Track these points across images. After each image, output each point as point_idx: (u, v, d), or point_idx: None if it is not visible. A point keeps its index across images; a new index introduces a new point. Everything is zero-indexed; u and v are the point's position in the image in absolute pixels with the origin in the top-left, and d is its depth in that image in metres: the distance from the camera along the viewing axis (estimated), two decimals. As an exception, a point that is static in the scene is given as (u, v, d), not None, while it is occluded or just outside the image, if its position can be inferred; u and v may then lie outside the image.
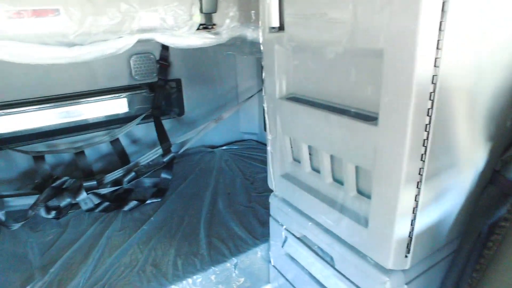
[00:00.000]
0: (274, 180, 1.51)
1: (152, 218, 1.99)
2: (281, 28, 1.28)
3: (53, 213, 2.01)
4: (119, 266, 1.64)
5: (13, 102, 2.28)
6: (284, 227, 1.52)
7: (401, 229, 0.98)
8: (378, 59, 0.88)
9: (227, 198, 2.17)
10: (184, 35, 1.58)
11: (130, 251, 1.74)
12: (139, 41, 1.50)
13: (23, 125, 2.36)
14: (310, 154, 1.32)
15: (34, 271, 1.64)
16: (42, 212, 1.98)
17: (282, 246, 1.55)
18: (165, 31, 1.56)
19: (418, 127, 0.86)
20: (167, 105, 2.75)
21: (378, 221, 1.02)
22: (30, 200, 1.96)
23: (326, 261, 1.31)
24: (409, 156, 0.88)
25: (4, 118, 2.31)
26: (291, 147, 1.40)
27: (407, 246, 1.01)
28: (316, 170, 1.31)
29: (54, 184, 2.05)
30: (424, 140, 0.88)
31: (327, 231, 1.27)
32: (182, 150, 2.37)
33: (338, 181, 1.22)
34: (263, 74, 1.42)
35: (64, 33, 1.37)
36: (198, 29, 1.55)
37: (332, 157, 1.20)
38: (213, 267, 1.61)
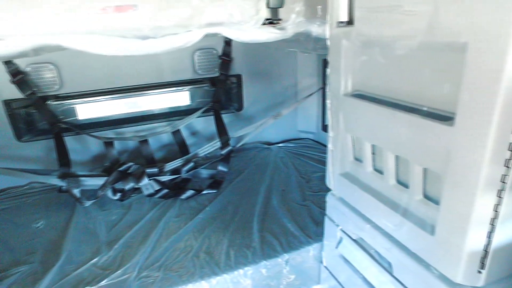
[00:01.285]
0: (332, 178, 1.48)
1: (207, 208, 2.06)
2: (349, 22, 1.24)
3: (118, 194, 2.17)
4: (175, 250, 1.72)
5: (90, 92, 2.51)
6: (339, 227, 1.48)
7: (475, 241, 0.89)
8: (459, 54, 0.82)
9: (282, 194, 2.17)
10: (249, 30, 1.60)
11: (185, 237, 1.82)
12: (205, 36, 1.54)
13: (97, 113, 2.59)
14: (373, 153, 1.26)
15: (101, 245, 1.79)
16: (109, 193, 2.15)
17: (336, 247, 1.51)
18: (232, 25, 1.59)
19: (504, 128, 0.78)
20: (227, 100, 2.82)
21: (447, 230, 0.94)
22: (100, 181, 2.14)
23: (383, 267, 1.25)
24: (490, 160, 0.80)
25: (83, 106, 2.55)
26: (353, 145, 1.35)
27: (482, 260, 0.92)
28: (378, 170, 1.26)
29: (120, 169, 2.21)
30: (510, 143, 0.79)
31: (386, 235, 1.21)
32: (239, 144, 2.42)
33: (402, 183, 1.15)
34: (328, 70, 1.39)
35: (139, 27, 1.46)
36: (263, 23, 1.56)
37: (397, 157, 1.14)
38: (264, 261, 1.62)
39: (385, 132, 1.12)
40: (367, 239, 1.32)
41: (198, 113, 2.54)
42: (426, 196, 1.06)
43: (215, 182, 2.30)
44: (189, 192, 2.18)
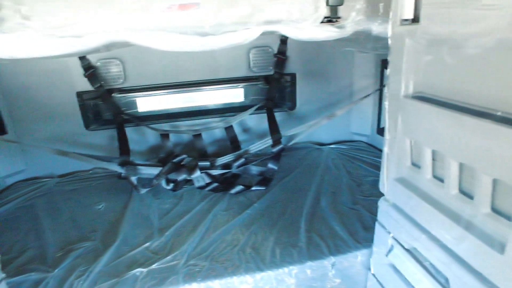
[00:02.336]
0: (386, 183, 1.41)
1: (255, 204, 2.08)
2: (415, 20, 1.17)
3: (171, 185, 2.27)
4: (222, 243, 1.76)
5: (150, 86, 2.66)
6: (391, 235, 1.41)
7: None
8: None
9: (331, 196, 2.13)
10: (307, 28, 1.58)
11: (232, 231, 1.85)
12: (262, 34, 1.56)
13: (155, 106, 2.74)
14: (433, 159, 1.18)
15: (153, 231, 1.89)
16: (163, 183, 2.26)
17: (386, 255, 1.45)
18: (290, 23, 1.58)
19: None
20: (280, 98, 2.82)
21: (519, 249, 0.85)
22: (155, 171, 2.26)
23: (439, 282, 1.17)
24: None
25: (143, 99, 2.71)
26: (411, 150, 1.28)
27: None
28: (438, 178, 1.17)
29: (174, 160, 2.32)
30: None
31: (444, 247, 1.12)
32: (290, 143, 2.41)
33: (466, 194, 1.06)
34: (388, 71, 1.33)
35: (201, 24, 1.51)
36: (322, 22, 1.54)
37: (461, 165, 1.05)
38: (310, 262, 1.60)
39: (450, 137, 1.05)
40: (421, 250, 1.24)
41: (251, 110, 2.58)
42: (495, 210, 0.97)
43: (264, 180, 2.31)
44: (238, 187, 2.22)
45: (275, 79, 2.65)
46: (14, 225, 2.02)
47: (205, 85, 2.72)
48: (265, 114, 2.60)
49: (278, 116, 2.66)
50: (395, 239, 1.39)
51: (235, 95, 2.75)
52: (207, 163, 2.26)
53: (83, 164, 2.61)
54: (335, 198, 2.10)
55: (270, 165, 2.36)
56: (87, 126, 2.64)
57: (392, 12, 1.24)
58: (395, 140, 1.32)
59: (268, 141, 2.36)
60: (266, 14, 1.50)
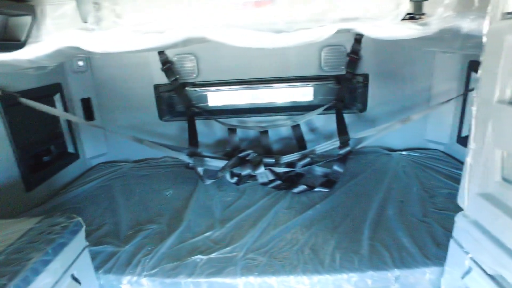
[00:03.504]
0: (467, 197, 1.27)
1: (318, 205, 2.04)
2: (520, 13, 1.03)
3: (235, 178, 2.32)
4: (281, 240, 1.75)
5: (221, 81, 2.74)
6: (469, 255, 1.27)
7: None
8: None
9: (399, 206, 1.99)
10: (386, 25, 1.49)
11: (292, 230, 1.83)
12: (336, 32, 1.50)
13: (225, 101, 2.82)
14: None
15: (215, 221, 1.95)
16: (227, 176, 2.32)
17: (462, 277, 1.30)
18: (367, 20, 1.51)
19: None
20: (350, 99, 2.73)
21: None
22: (221, 164, 2.33)
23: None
24: None
25: (213, 94, 2.81)
26: (502, 163, 1.13)
27: None
28: (535, 197, 1.02)
29: (240, 155, 2.37)
30: None
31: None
32: (358, 146, 2.31)
33: None
34: (478, 73, 1.20)
35: (275, 21, 1.51)
36: (403, 19, 1.43)
37: None
38: (371, 271, 1.51)
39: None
40: (510, 279, 1.09)
41: (320, 110, 2.53)
42: None
43: (328, 181, 2.25)
44: (301, 187, 2.19)
45: (347, 79, 2.56)
46: (95, 202, 2.25)
47: (275, 83, 2.73)
48: (334, 115, 2.53)
49: (347, 117, 2.57)
50: (475, 261, 1.25)
51: (304, 94, 2.72)
52: (272, 160, 2.28)
53: (155, 152, 2.80)
54: (403, 208, 1.96)
55: (336, 167, 2.29)
56: (161, 117, 2.83)
57: (491, 5, 1.11)
58: (482, 151, 1.18)
59: (335, 142, 2.29)
60: (342, 11, 1.45)
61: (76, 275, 1.40)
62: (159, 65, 2.63)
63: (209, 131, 2.83)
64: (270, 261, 1.61)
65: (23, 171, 2.14)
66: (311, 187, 2.20)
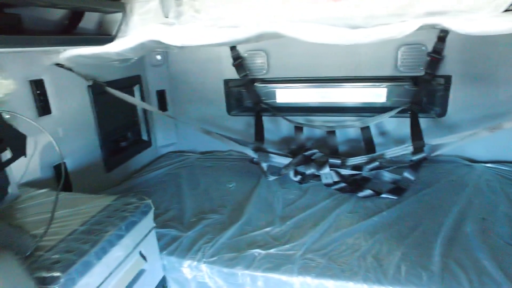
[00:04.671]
0: None
1: (384, 212, 1.91)
2: None
3: (298, 177, 2.29)
4: (342, 244, 1.68)
5: (290, 79, 2.72)
6: None
7: None
8: None
9: (480, 223, 1.77)
10: (482, 19, 1.33)
11: (355, 235, 1.75)
12: (419, 28, 1.38)
13: (293, 98, 2.80)
14: None
15: (275, 217, 1.94)
16: (291, 174, 2.30)
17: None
18: (458, 14, 1.36)
19: None
20: (428, 103, 2.52)
21: None
22: (285, 161, 2.32)
23: None
24: None
25: (282, 91, 2.81)
26: None
27: None
28: None
29: (305, 153, 2.33)
30: None
31: None
32: (434, 154, 2.12)
33: None
34: None
35: (352, 16, 1.44)
36: (506, 10, 1.26)
37: None
38: (443, 291, 1.37)
39: None
40: None
41: (393, 112, 2.37)
42: None
43: (397, 189, 2.10)
44: (367, 192, 2.08)
45: (425, 80, 2.36)
46: (163, 187, 2.39)
47: (345, 82, 2.63)
48: (407, 118, 2.35)
49: (423, 122, 2.37)
50: None
51: (377, 94, 2.58)
52: (338, 161, 2.20)
53: (221, 145, 2.88)
54: (486, 227, 1.74)
55: (406, 174, 2.13)
56: (229, 111, 2.90)
57: None
58: None
59: (408, 147, 2.12)
60: (428, 4, 1.33)
61: (143, 253, 1.50)
62: (230, 60, 2.70)
63: (275, 128, 2.83)
64: (329, 264, 1.55)
65: (104, 154, 2.36)
66: (377, 193, 2.08)
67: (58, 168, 1.91)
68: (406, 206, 1.97)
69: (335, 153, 2.49)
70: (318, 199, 2.10)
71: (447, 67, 2.36)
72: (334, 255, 1.61)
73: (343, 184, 2.18)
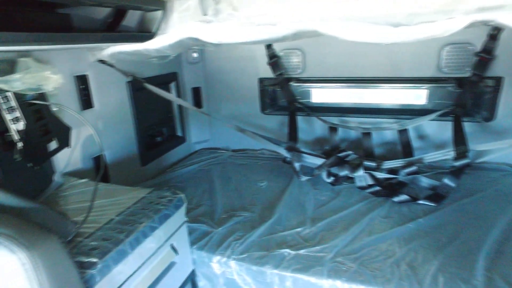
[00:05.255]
0: None
1: (420, 219, 1.83)
2: None
3: (331, 178, 2.24)
4: (375, 250, 1.63)
5: (326, 78, 2.67)
6: None
7: None
8: None
9: (531, 237, 1.65)
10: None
11: (388, 241, 1.68)
12: (469, 25, 1.30)
13: (328, 98, 2.75)
14: None
15: (306, 218, 1.91)
16: (324, 175, 2.25)
17: None
18: (517, 8, 1.26)
19: None
20: (473, 106, 2.37)
21: None
22: (318, 161, 2.27)
23: None
24: None
25: (317, 90, 2.77)
26: None
27: None
28: None
29: (339, 155, 2.27)
30: None
31: None
32: (479, 160, 2.00)
33: None
34: None
35: (394, 13, 1.39)
36: None
37: None
38: (486, 308, 1.29)
39: None
40: None
41: (434, 115, 2.26)
42: None
43: (436, 195, 2.00)
44: (403, 197, 1.99)
45: (472, 82, 2.23)
46: (195, 183, 2.43)
47: (383, 83, 2.55)
48: (450, 122, 2.23)
49: (467, 126, 2.23)
50: None
51: (416, 96, 2.47)
52: (373, 164, 2.12)
53: (253, 143, 2.89)
54: (538, 242, 1.61)
55: (446, 181, 2.01)
56: (263, 109, 2.90)
57: None
58: None
59: (450, 153, 2.01)
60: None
61: (174, 246, 1.53)
62: (265, 59, 2.70)
63: (309, 128, 2.79)
64: (360, 269, 1.50)
65: (140, 148, 2.44)
66: (414, 199, 1.99)
67: (98, 160, 1.99)
68: (445, 214, 1.87)
69: (370, 155, 2.42)
70: (351, 202, 2.05)
71: (498, 68, 2.21)
72: (366, 260, 1.56)
73: (377, 188, 2.11)
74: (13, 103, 1.31)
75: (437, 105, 2.41)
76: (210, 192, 2.29)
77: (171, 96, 2.61)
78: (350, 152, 2.28)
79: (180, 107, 2.88)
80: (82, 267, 1.07)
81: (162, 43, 1.77)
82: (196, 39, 1.74)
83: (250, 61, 2.81)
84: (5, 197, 1.16)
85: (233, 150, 3.03)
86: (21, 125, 1.33)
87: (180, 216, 1.56)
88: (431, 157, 2.06)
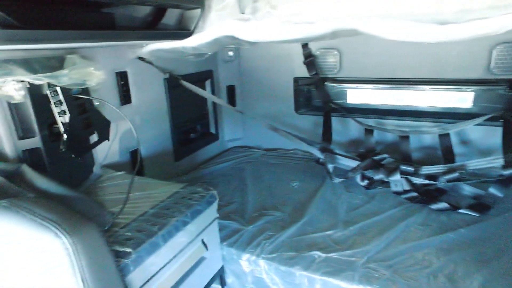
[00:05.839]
0: None
1: (462, 229, 1.73)
2: None
3: (365, 181, 2.17)
4: (409, 258, 1.56)
5: (363, 79, 2.60)
6: None
7: None
8: None
9: None
10: None
11: (425, 250, 1.60)
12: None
13: (365, 100, 2.67)
14: None
15: (338, 221, 1.87)
16: (358, 178, 2.19)
17: None
18: None
19: None
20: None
21: None
22: (352, 164, 2.21)
23: None
24: None
25: (353, 91, 2.69)
26: None
27: None
28: None
29: (374, 157, 2.20)
30: None
31: None
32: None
33: None
34: None
35: (441, 10, 1.32)
36: None
37: None
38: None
39: None
40: None
41: (480, 119, 2.12)
42: None
43: (480, 205, 1.88)
44: (442, 205, 1.89)
45: (526, 84, 2.07)
46: (227, 180, 2.45)
47: (424, 84, 2.43)
48: (498, 127, 2.09)
49: (516, 132, 2.08)
50: None
51: (461, 99, 2.34)
52: (410, 169, 2.03)
53: (286, 143, 2.88)
54: None
55: (493, 190, 1.88)
56: (297, 109, 2.87)
57: None
58: None
59: (497, 160, 1.87)
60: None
61: (205, 241, 1.54)
62: (301, 58, 2.66)
63: (343, 129, 2.73)
64: (394, 277, 1.44)
65: (174, 144, 2.50)
66: (455, 207, 1.88)
67: (134, 154, 2.06)
68: (490, 226, 1.75)
69: (407, 160, 2.32)
70: (385, 207, 1.98)
71: None
72: (400, 268, 1.49)
73: (414, 194, 2.02)
74: (61, 97, 1.38)
75: (484, 109, 2.26)
76: (241, 190, 2.30)
77: (206, 93, 2.64)
78: (386, 155, 2.20)
79: (214, 104, 2.91)
80: (117, 256, 1.10)
81: (199, 41, 1.79)
82: (233, 37, 1.75)
83: (285, 60, 2.79)
84: (50, 185, 1.22)
85: (265, 149, 3.03)
86: (66, 118, 1.40)
87: (211, 212, 1.57)
88: (476, 164, 1.93)
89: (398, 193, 2.07)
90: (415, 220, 1.84)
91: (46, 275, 0.92)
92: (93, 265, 0.90)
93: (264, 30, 1.66)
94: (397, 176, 2.02)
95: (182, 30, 1.66)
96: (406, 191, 2.05)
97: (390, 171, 2.05)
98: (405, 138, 2.37)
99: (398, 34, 1.39)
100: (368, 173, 2.15)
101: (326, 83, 2.69)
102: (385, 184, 2.14)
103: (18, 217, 0.92)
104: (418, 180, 2.03)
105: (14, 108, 1.29)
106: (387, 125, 2.55)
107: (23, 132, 1.31)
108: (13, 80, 1.24)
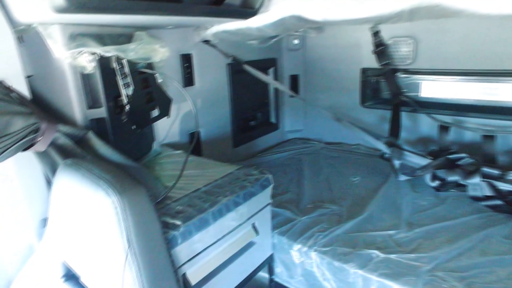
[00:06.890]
0: None
1: (560, 248, 1.45)
2: None
3: (436, 182, 1.94)
4: (490, 273, 1.33)
5: (441, 71, 2.33)
6: None
7: None
8: None
9: None
10: None
11: (510, 267, 1.37)
12: None
13: (442, 93, 2.39)
14: None
15: (401, 221, 1.70)
16: (427, 177, 1.97)
17: None
18: None
19: None
20: None
21: None
22: (422, 162, 1.98)
23: None
24: None
25: (429, 83, 2.43)
26: None
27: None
28: None
29: (449, 156, 1.95)
30: None
31: None
32: None
33: None
34: None
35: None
36: None
37: None
38: None
39: None
40: None
41: None
42: None
43: None
44: (535, 218, 1.61)
45: None
46: (284, 170, 2.38)
47: (517, 78, 2.10)
48: None
49: None
50: None
51: None
52: (495, 172, 1.75)
53: (349, 138, 2.73)
54: None
55: None
56: (363, 102, 2.69)
57: None
58: None
59: None
60: None
61: (256, 225, 1.49)
62: (370, 48, 2.47)
63: (413, 125, 2.49)
64: (467, 291, 1.25)
65: (234, 130, 2.49)
66: (551, 221, 1.59)
67: (194, 136, 2.09)
68: None
69: (490, 162, 2.02)
70: (459, 213, 1.74)
71: None
72: (477, 283, 1.29)
73: (498, 202, 1.74)
74: (127, 69, 1.42)
75: None
76: (298, 181, 2.21)
77: (269, 78, 2.59)
78: (464, 155, 1.93)
79: (276, 94, 2.85)
80: (167, 227, 1.10)
81: (264, 21, 1.74)
82: (299, 17, 1.67)
83: (353, 49, 2.63)
84: (112, 153, 1.27)
85: (326, 143, 2.89)
86: (130, 90, 1.44)
87: (265, 196, 1.52)
88: None
89: (476, 199, 1.81)
90: (498, 232, 1.58)
91: (96, 230, 0.95)
92: (140, 228, 0.89)
93: (333, 8, 1.56)
94: (477, 179, 1.76)
95: (247, 8, 1.62)
96: (487, 198, 1.78)
97: (469, 173, 1.80)
98: (490, 138, 2.06)
99: (494, 6, 1.20)
100: (441, 173, 1.91)
101: (397, 74, 2.47)
102: (461, 187, 1.89)
103: (78, 174, 0.96)
104: (504, 186, 1.75)
105: (86, 79, 1.35)
106: (466, 123, 2.25)
107: (92, 101, 1.38)
108: (86, 52, 1.31)
